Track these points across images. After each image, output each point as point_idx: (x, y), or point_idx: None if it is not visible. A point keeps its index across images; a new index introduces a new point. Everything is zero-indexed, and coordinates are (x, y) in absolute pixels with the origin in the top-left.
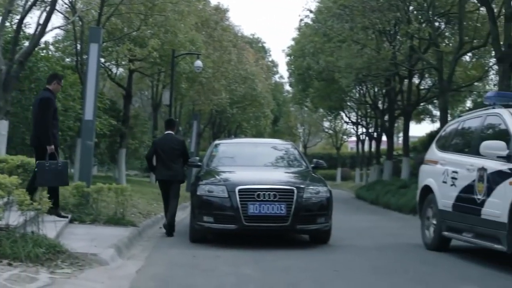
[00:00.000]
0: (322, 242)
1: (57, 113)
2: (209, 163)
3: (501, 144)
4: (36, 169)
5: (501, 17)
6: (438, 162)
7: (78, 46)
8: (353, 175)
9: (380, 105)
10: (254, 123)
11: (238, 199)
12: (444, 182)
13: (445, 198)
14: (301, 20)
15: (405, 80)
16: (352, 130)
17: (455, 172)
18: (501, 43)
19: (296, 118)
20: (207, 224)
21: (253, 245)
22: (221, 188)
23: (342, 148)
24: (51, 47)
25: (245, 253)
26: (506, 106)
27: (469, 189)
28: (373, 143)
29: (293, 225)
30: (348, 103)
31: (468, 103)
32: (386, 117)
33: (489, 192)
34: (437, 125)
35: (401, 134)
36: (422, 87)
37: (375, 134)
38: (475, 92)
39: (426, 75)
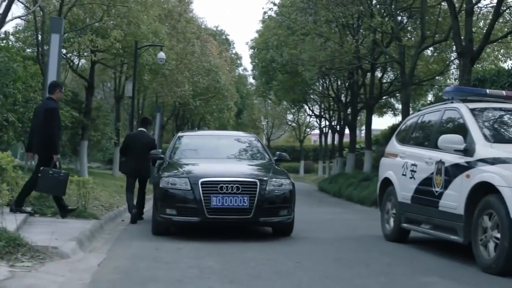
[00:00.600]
0: (284, 234)
1: (60, 122)
2: (172, 156)
3: (458, 138)
4: (39, 174)
5: (462, 12)
6: (398, 155)
7: (39, 37)
8: (316, 167)
9: (343, 98)
10: (217, 116)
11: (201, 191)
12: (404, 174)
13: (404, 190)
14: (264, 13)
15: (368, 73)
16: (315, 123)
17: (414, 165)
18: (462, 37)
19: (259, 110)
20: (169, 216)
21: (216, 237)
22: (184, 180)
23: (305, 141)
24: (11, 37)
25: (208, 245)
26: (464, 101)
27: (427, 181)
28: (336, 136)
29: (256, 218)
30: (312, 96)
31: (430, 97)
32: (349, 110)
33: (446, 184)
34: (399, 118)
35: (363, 127)
36: (384, 81)
37: (338, 127)
38: (436, 86)
39: (389, 69)
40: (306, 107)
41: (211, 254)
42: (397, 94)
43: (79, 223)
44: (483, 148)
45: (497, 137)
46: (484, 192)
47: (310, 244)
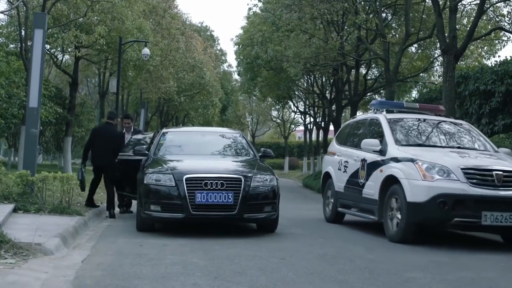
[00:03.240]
0: (269, 231)
1: None
2: (156, 152)
3: (376, 141)
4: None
5: (446, 9)
6: (335, 153)
7: (23, 32)
8: (300, 164)
9: (327, 95)
10: (202, 112)
11: (185, 187)
12: (339, 169)
13: (339, 182)
14: (249, 9)
15: (352, 70)
16: (300, 120)
17: (347, 161)
18: (446, 34)
19: (244, 107)
20: (154, 213)
21: (200, 234)
22: (168, 176)
23: (290, 138)
24: None
25: (193, 241)
26: (387, 111)
27: (355, 174)
28: (321, 132)
29: (240, 214)
30: (296, 93)
31: (414, 94)
32: (334, 107)
33: (367, 177)
34: None
35: None
36: (368, 77)
37: (322, 123)
38: (420, 83)
39: (373, 66)
40: (290, 103)
41: (196, 250)
42: (382, 91)
43: (62, 220)
44: (393, 150)
45: (403, 141)
46: (392, 182)
47: (295, 240)
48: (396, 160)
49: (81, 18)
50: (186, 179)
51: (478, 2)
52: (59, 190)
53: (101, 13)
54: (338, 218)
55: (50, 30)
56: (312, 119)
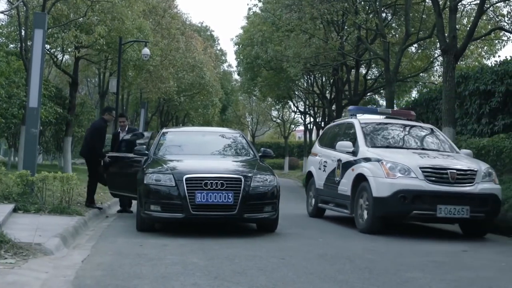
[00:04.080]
0: (269, 231)
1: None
2: (156, 152)
3: (349, 143)
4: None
5: (446, 9)
6: (317, 154)
7: (23, 32)
8: (300, 164)
9: (327, 95)
10: (202, 112)
11: (185, 187)
12: (320, 168)
13: (320, 180)
14: (249, 9)
15: (352, 70)
16: (300, 120)
17: (326, 161)
18: (446, 34)
19: (244, 107)
20: (154, 213)
21: (200, 233)
22: (168, 176)
23: (290, 138)
24: None
25: (193, 241)
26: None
27: (332, 173)
28: (321, 132)
29: (240, 214)
30: (296, 93)
31: (414, 94)
32: (334, 107)
33: (342, 175)
34: None
35: None
36: (369, 77)
37: (322, 123)
38: (420, 83)
39: (373, 66)
40: (290, 103)
41: (196, 250)
42: (382, 91)
43: (63, 220)
44: (363, 151)
45: (373, 143)
46: (361, 180)
47: (295, 240)
48: (366, 160)
49: (81, 18)
50: (186, 179)
51: (478, 2)
52: (59, 190)
53: (101, 13)
54: (319, 213)
55: (50, 30)
56: (312, 119)
